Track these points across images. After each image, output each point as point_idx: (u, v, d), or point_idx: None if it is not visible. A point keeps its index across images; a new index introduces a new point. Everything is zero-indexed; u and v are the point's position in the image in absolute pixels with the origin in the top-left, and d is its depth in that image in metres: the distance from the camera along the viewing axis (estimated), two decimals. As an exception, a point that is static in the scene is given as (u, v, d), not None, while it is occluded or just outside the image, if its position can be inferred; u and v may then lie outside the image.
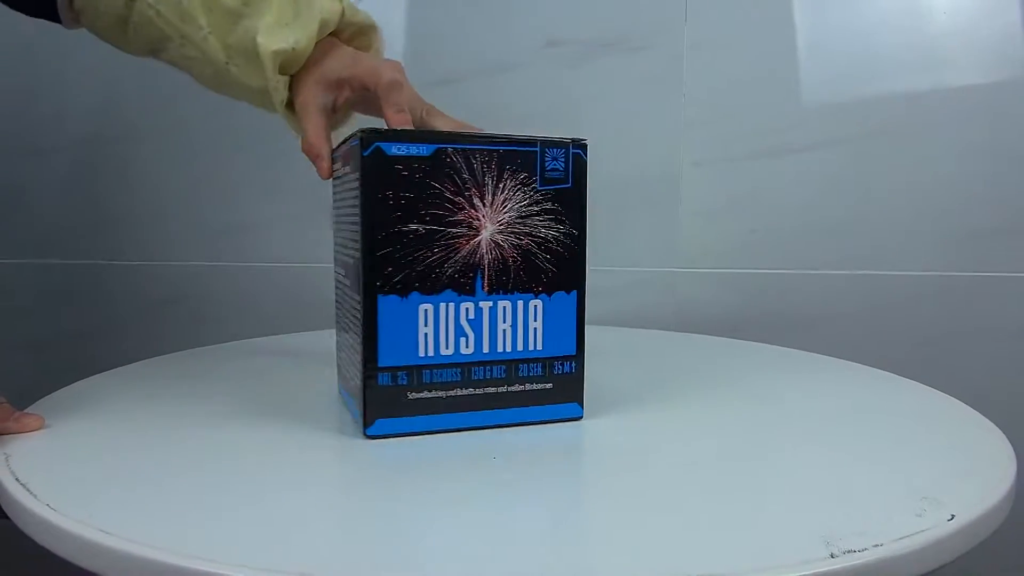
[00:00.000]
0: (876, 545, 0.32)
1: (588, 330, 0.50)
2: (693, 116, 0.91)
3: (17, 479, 0.39)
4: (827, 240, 0.91)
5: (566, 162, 0.48)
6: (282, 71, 0.56)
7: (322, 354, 0.65)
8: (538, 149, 0.47)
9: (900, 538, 0.33)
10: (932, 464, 0.43)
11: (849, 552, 0.32)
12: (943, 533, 0.34)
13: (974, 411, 0.53)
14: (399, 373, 0.46)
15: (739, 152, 0.91)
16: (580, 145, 0.48)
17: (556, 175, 0.48)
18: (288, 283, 0.98)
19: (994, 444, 0.46)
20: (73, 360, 1.02)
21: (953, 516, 0.35)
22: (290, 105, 0.58)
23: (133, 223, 1.01)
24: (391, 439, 0.46)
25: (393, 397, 0.46)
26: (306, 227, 0.97)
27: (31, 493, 0.37)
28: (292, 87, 0.58)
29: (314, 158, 0.55)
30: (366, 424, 0.46)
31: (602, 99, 0.93)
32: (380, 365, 0.45)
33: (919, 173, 0.89)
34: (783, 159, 0.91)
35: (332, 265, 0.56)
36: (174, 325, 1.01)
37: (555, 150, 0.48)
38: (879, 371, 0.66)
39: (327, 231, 0.56)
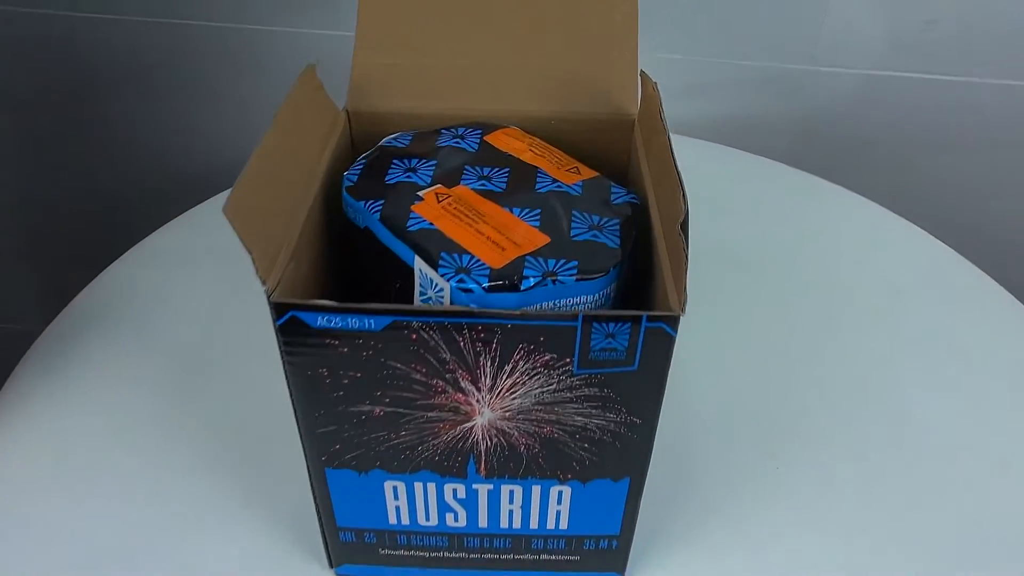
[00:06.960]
0: None
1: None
2: None
3: None
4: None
5: (632, 338, 0.27)
6: None
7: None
8: (578, 324, 0.26)
9: None
10: None
11: None
12: None
13: None
14: (365, 533, 0.35)
15: None
16: (666, 319, 0.26)
17: (610, 355, 0.27)
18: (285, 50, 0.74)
19: None
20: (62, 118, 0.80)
21: None
22: None
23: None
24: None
25: (361, 550, 0.36)
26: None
27: None
28: None
29: None
30: (332, 565, 0.37)
31: None
32: (339, 525, 0.35)
33: None
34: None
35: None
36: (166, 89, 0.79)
37: (611, 325, 0.26)
38: None
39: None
